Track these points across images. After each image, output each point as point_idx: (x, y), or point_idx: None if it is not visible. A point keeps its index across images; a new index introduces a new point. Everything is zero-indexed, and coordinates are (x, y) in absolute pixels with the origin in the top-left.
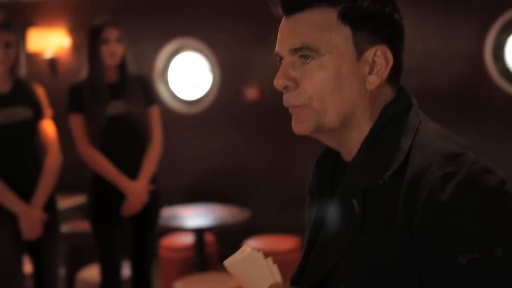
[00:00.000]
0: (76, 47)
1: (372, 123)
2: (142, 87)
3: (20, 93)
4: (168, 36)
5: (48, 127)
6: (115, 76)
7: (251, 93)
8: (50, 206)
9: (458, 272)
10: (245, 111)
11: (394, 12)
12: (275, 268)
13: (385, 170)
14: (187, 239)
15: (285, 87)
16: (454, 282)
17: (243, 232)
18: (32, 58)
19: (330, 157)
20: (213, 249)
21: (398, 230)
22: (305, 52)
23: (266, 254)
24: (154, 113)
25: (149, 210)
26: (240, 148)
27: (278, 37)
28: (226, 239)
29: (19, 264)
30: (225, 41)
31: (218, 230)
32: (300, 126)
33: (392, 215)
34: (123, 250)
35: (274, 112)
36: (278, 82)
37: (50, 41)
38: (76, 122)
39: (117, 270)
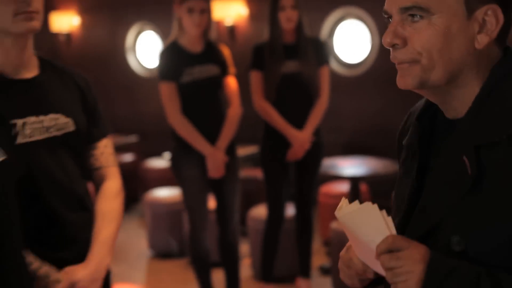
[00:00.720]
0: (252, 16)
1: (480, 82)
2: (316, 48)
3: (210, 53)
4: (333, 5)
5: (231, 83)
6: (291, 38)
7: None
8: (231, 150)
9: None
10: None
11: None
12: (390, 221)
13: (503, 128)
14: (343, 187)
15: (393, 45)
16: None
17: (394, 183)
18: (215, 25)
19: (430, 113)
20: (366, 198)
21: None
22: (415, 12)
23: None
24: (324, 72)
25: (312, 159)
26: (393, 108)
27: None
28: (378, 189)
29: (205, 197)
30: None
31: (371, 180)
32: (405, 81)
33: (507, 175)
34: (288, 193)
35: None
36: (386, 40)
37: (230, 10)
38: (256, 78)
39: (281, 208)
